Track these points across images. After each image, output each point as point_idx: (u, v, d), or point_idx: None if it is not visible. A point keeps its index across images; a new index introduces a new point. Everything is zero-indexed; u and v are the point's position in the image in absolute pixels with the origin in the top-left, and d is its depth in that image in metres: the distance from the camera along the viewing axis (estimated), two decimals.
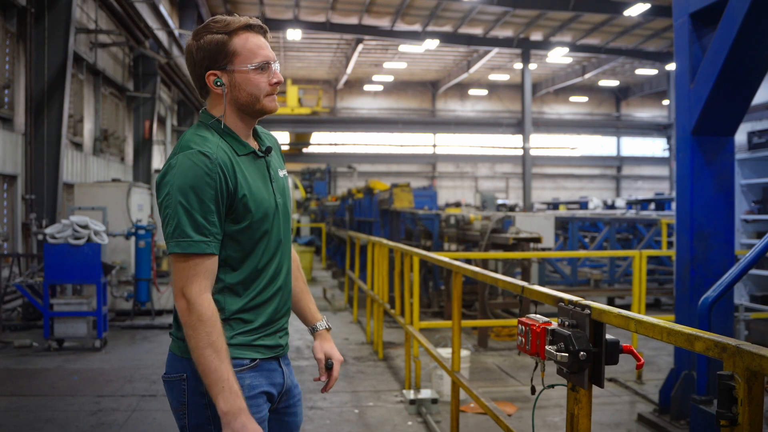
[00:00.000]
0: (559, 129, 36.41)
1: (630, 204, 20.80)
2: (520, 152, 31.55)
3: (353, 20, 24.99)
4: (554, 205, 26.44)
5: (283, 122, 30.61)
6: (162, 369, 1.92)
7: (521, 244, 7.28)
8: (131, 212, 9.08)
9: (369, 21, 25.04)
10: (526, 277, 7.91)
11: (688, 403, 4.32)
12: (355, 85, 36.25)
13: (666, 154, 35.77)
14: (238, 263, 1.81)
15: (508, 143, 35.94)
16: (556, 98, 38.55)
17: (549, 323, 1.94)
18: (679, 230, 4.60)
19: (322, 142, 35.33)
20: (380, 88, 36.68)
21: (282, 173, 1.95)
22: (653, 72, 33.30)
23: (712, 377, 4.08)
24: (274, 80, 1.83)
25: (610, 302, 9.60)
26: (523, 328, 2.00)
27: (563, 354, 1.81)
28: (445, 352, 4.96)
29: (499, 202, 25.49)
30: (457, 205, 20.29)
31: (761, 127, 7.20)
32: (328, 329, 2.12)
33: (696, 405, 4.01)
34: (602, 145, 38.52)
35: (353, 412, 4.98)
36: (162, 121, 20.46)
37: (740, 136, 6.67)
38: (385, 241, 6.64)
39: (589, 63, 32.12)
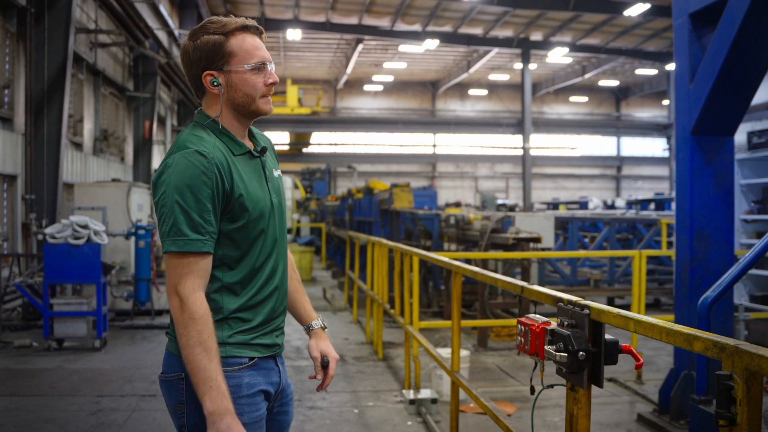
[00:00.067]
0: (559, 129, 36.41)
1: (630, 204, 20.81)
2: (520, 152, 31.56)
3: (353, 20, 25.00)
4: (554, 205, 26.44)
5: (283, 122, 30.62)
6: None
7: (521, 244, 7.28)
8: (131, 212, 9.09)
9: (369, 21, 25.04)
10: (525, 277, 7.91)
11: (687, 403, 4.32)
12: (355, 85, 36.25)
13: (666, 154, 35.78)
14: (235, 262, 1.82)
15: (508, 143, 35.94)
16: (556, 98, 38.55)
17: (548, 323, 1.94)
18: (679, 230, 4.60)
19: (322, 142, 35.33)
20: (380, 88, 36.68)
21: (276, 173, 1.97)
22: (653, 72, 33.30)
23: (711, 377, 4.08)
24: (270, 81, 1.85)
25: (610, 302, 9.60)
26: (523, 328, 2.00)
27: (562, 354, 1.81)
28: (445, 352, 4.96)
29: (499, 202, 25.50)
30: (457, 205, 20.30)
31: (761, 127, 7.20)
32: (324, 328, 2.13)
33: (695, 405, 4.01)
34: (602, 145, 38.53)
35: (353, 412, 4.98)
36: (162, 121, 20.48)
37: (740, 136, 6.68)
38: (384, 241, 6.64)
39: (589, 63, 32.12)
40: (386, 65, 32.61)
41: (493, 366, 6.46)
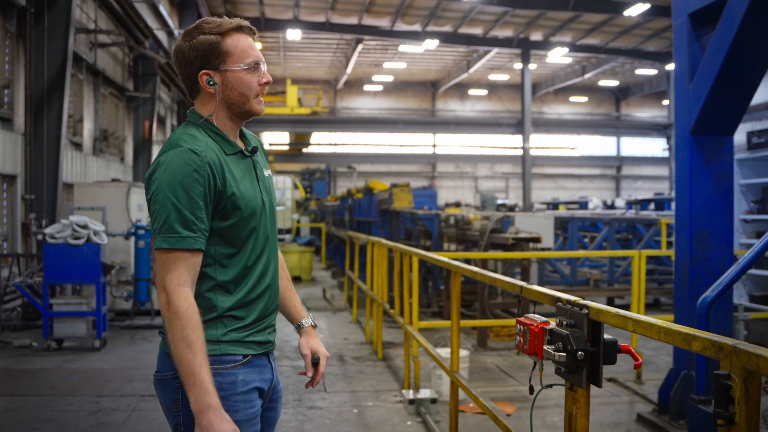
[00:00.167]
0: (559, 129, 36.40)
1: (630, 204, 20.79)
2: (520, 152, 31.56)
3: (353, 20, 25.00)
4: (554, 205, 26.43)
5: (282, 122, 30.61)
6: None
7: (521, 244, 7.28)
8: (131, 212, 9.08)
9: (369, 21, 25.04)
10: (525, 277, 7.91)
11: (687, 402, 4.32)
12: (354, 85, 36.25)
13: (666, 154, 35.76)
14: (227, 260, 1.84)
15: (507, 143, 35.93)
16: (555, 98, 38.55)
17: (547, 323, 1.94)
18: (679, 230, 4.60)
19: (321, 142, 35.32)
20: (380, 88, 36.68)
21: (267, 173, 1.99)
22: (653, 72, 33.31)
23: (711, 377, 4.08)
24: (264, 80, 1.88)
25: (610, 302, 9.60)
26: (522, 327, 2.00)
27: (561, 354, 1.81)
28: (444, 352, 4.96)
29: (499, 202, 25.49)
30: (457, 205, 20.30)
31: (760, 127, 7.20)
32: (314, 326, 2.15)
33: (695, 405, 4.01)
34: (602, 145, 38.53)
35: (352, 412, 4.98)
36: (162, 121, 20.47)
37: (739, 136, 6.67)
38: (384, 241, 6.65)
39: (588, 63, 32.12)
40: (386, 65, 32.61)
41: (492, 366, 6.46)
